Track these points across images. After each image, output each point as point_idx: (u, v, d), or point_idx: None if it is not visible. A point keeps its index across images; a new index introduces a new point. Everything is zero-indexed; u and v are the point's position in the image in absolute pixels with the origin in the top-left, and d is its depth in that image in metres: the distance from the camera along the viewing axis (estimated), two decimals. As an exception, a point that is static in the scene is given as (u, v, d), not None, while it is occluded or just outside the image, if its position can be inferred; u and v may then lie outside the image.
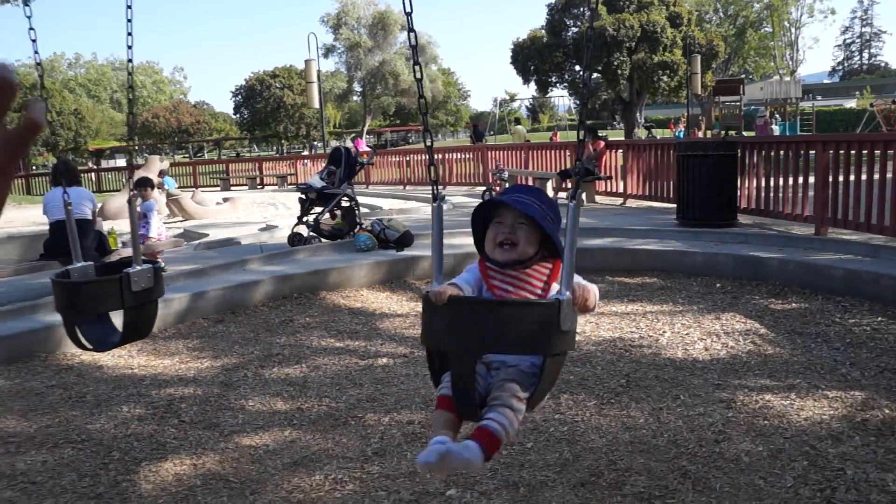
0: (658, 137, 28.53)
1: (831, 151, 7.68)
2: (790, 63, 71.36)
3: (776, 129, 30.44)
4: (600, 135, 14.63)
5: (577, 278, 1.88)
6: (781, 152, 8.57)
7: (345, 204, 8.81)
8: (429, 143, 2.04)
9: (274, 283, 6.87)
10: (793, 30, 70.87)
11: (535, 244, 2.02)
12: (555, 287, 1.99)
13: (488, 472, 3.29)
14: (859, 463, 3.21)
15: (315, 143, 46.74)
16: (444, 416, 1.87)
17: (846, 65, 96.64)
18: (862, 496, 2.94)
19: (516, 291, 2.00)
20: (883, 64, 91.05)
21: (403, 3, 1.96)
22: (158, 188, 13.06)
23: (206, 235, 10.19)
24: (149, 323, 2.32)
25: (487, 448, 1.74)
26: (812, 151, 8.15)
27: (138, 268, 2.18)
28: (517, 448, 3.51)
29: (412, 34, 2.02)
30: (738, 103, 36.27)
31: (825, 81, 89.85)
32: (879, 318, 5.39)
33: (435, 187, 1.96)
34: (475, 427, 1.76)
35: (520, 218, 2.00)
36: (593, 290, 1.93)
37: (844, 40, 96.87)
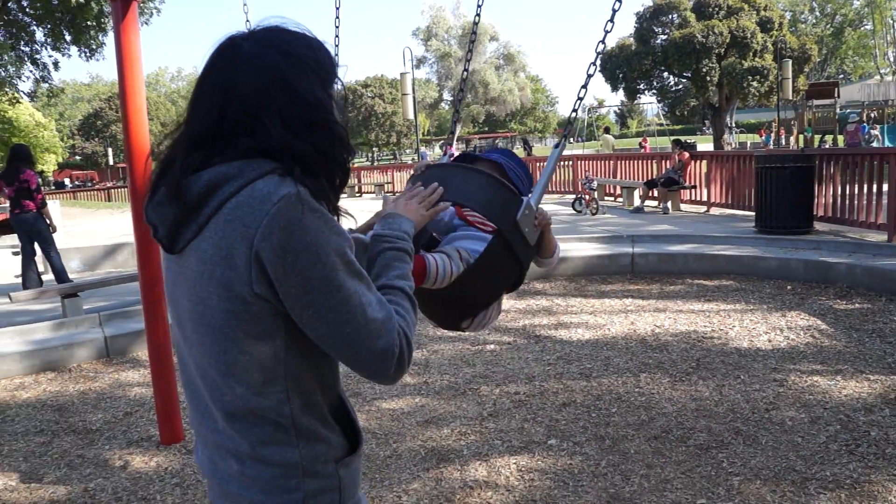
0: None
1: (902, 163, 8.22)
2: (892, 62, 68.93)
3: (877, 135, 29.93)
4: (686, 143, 15.24)
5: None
6: (857, 163, 9.13)
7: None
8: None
9: (390, 283, 7.92)
10: None
11: None
12: None
13: (581, 429, 4.21)
14: (883, 427, 3.99)
15: (405, 150, 48.16)
16: None
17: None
18: (879, 450, 3.73)
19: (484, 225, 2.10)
20: None
21: None
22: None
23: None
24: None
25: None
26: (886, 164, 8.69)
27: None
28: (604, 412, 4.43)
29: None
30: (833, 107, 35.77)
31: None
32: (934, 317, 6.03)
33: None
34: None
35: (490, 164, 2.11)
36: (557, 242, 2.13)
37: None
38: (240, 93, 1.33)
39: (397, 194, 1.73)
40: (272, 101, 1.32)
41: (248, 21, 3.46)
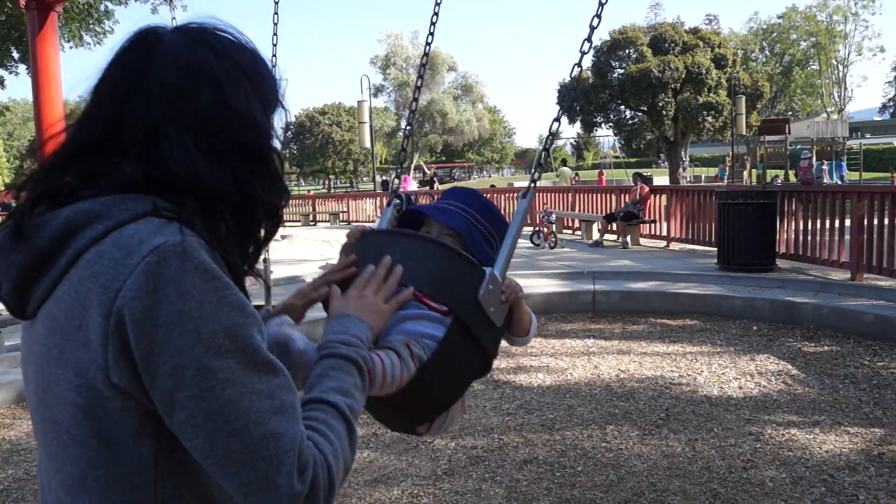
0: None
1: (865, 202, 8.10)
2: (838, 101, 70.93)
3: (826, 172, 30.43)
4: (648, 176, 15.12)
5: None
6: (819, 201, 9.01)
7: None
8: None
9: (341, 320, 7.48)
10: (840, 67, 70.55)
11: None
12: None
13: (544, 491, 3.82)
14: (871, 490, 3.68)
15: (385, 178, 47.83)
16: None
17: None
18: (870, 517, 3.41)
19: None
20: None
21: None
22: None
23: (272, 273, 10.86)
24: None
25: None
26: (847, 201, 8.57)
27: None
28: (569, 470, 4.05)
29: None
30: (784, 143, 36.40)
31: (875, 118, 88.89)
32: (906, 362, 5.80)
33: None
34: None
35: (444, 229, 1.71)
36: (531, 314, 1.69)
37: (895, 77, 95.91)
38: (149, 92, 1.00)
39: (349, 288, 1.31)
40: (190, 109, 1.00)
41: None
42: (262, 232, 1.10)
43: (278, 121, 1.13)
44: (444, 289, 1.47)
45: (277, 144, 1.12)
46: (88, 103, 1.04)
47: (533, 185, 1.83)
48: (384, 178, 42.25)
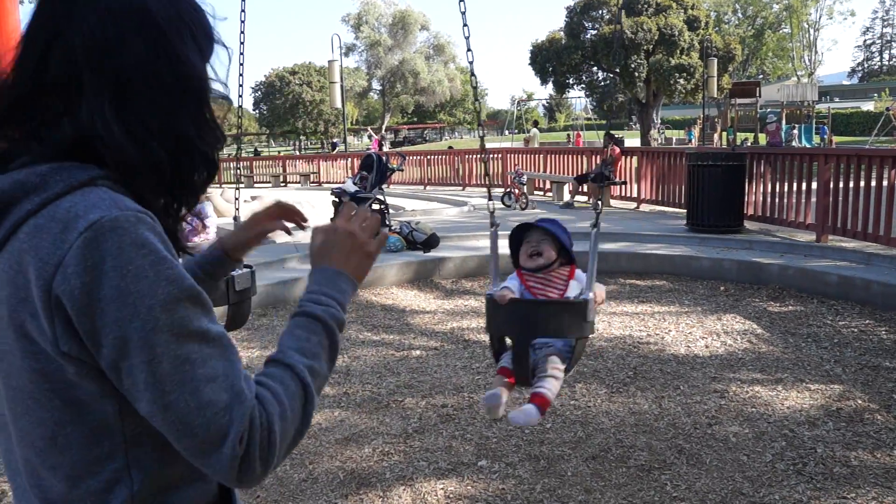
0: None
1: (832, 164, 8.20)
2: (808, 65, 71.34)
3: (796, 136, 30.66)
4: (618, 137, 15.14)
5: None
6: (787, 163, 9.11)
7: (375, 207, 9.43)
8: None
9: (312, 281, 7.46)
10: (811, 31, 70.83)
11: (555, 253, 2.70)
12: (572, 284, 2.66)
13: (513, 448, 3.88)
14: (829, 443, 3.79)
15: (334, 140, 47.54)
16: (502, 379, 2.66)
17: (866, 66, 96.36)
18: (827, 469, 3.52)
19: (545, 288, 2.66)
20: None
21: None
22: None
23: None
24: (245, 317, 2.86)
25: (542, 407, 2.47)
26: (815, 164, 8.66)
27: (240, 271, 2.73)
28: (538, 427, 4.11)
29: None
30: (755, 106, 36.57)
31: (844, 82, 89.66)
32: (867, 321, 5.94)
33: (492, 217, 2.73)
34: (531, 393, 2.49)
35: (543, 235, 2.71)
36: (603, 290, 2.63)
37: (865, 41, 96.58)
38: (67, 42, 0.94)
39: (336, 223, 1.18)
40: (115, 61, 0.94)
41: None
42: (198, 180, 1.06)
43: (219, 64, 1.08)
44: (569, 328, 2.46)
45: (220, 88, 1.09)
46: (17, 58, 0.98)
47: (597, 217, 2.63)
48: (333, 140, 41.69)
